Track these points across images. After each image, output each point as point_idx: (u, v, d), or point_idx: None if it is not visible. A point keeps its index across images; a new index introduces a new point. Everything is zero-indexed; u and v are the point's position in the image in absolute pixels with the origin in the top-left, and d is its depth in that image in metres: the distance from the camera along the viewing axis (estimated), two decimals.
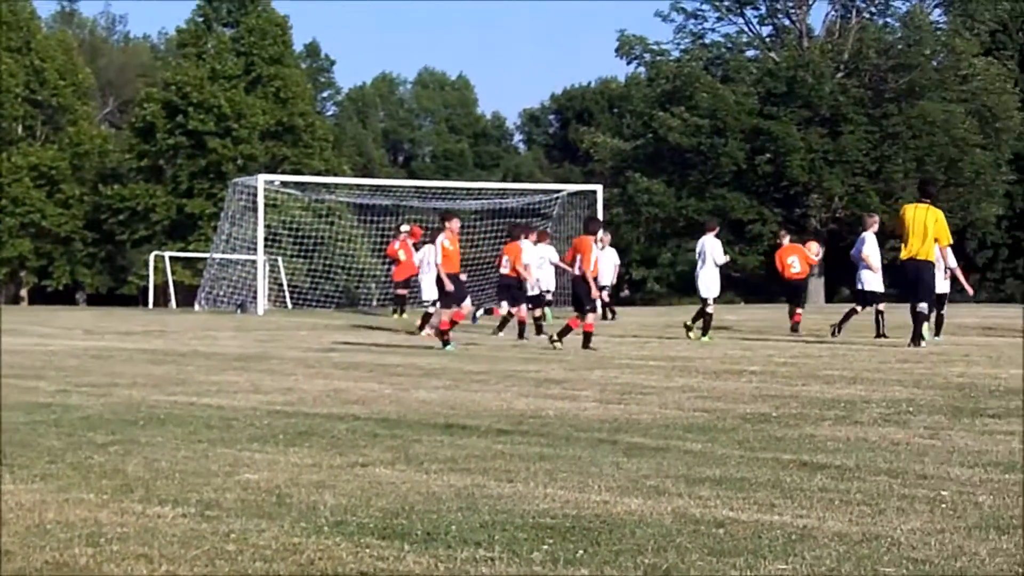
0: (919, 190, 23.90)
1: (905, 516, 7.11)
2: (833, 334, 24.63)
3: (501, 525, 6.87)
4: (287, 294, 51.46)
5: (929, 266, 21.15)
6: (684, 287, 70.90)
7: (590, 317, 22.21)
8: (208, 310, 43.44)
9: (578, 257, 22.54)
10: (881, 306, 24.97)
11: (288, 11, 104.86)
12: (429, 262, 27.58)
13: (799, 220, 63.76)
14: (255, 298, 41.82)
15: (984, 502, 7.51)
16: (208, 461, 9.21)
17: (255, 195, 42.03)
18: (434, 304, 26.80)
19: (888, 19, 66.44)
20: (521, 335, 25.08)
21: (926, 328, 21.51)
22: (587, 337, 21.96)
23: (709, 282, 25.12)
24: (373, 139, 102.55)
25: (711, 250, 25.23)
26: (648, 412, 12.07)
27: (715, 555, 6.19)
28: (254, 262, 42.79)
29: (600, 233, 25.66)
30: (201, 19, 72.93)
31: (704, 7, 65.82)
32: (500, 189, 52.90)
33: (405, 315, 35.08)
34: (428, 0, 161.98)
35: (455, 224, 23.34)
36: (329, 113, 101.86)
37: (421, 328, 27.36)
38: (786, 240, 29.43)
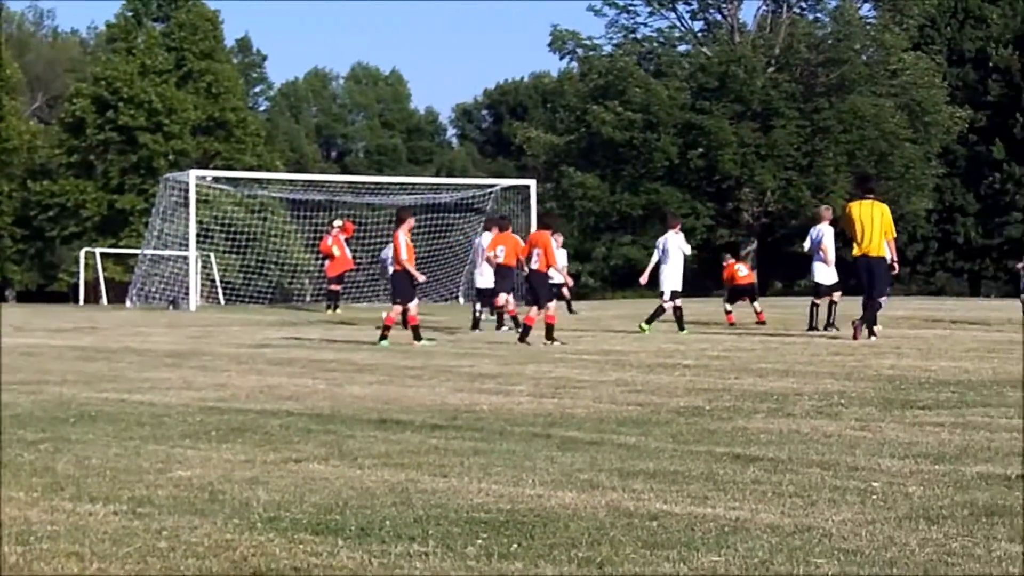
0: (859, 187, 23.89)
1: (837, 507, 7.16)
2: (827, 327, 24.44)
3: (435, 520, 6.86)
4: (220, 290, 51.15)
5: (882, 261, 21.33)
6: (617, 281, 71.14)
7: (551, 307, 22.10)
8: (140, 307, 43.10)
9: (536, 251, 22.35)
10: (819, 300, 25.12)
11: (219, 6, 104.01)
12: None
13: (731, 214, 64.10)
14: (187, 294, 41.54)
15: (914, 493, 7.58)
16: (140, 458, 9.15)
17: (187, 191, 41.74)
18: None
19: (818, 14, 67.17)
20: (498, 322, 24.86)
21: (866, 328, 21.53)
22: (549, 329, 21.69)
23: (672, 277, 25.33)
24: (306, 134, 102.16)
25: (676, 245, 25.47)
26: (582, 406, 12.10)
27: (649, 548, 6.21)
28: (186, 258, 42.50)
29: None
30: (131, 14, 72.30)
31: (636, 2, 66.10)
32: (433, 184, 52.84)
33: (339, 310, 34.99)
34: None
35: (412, 221, 23.27)
36: (261, 108, 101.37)
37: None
38: (730, 260, 30.37)
